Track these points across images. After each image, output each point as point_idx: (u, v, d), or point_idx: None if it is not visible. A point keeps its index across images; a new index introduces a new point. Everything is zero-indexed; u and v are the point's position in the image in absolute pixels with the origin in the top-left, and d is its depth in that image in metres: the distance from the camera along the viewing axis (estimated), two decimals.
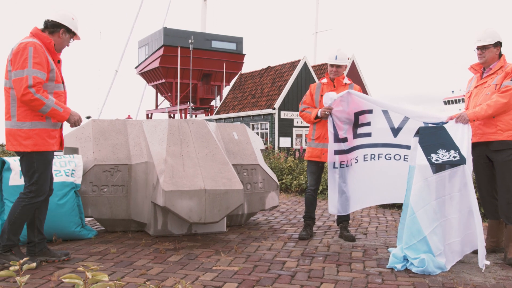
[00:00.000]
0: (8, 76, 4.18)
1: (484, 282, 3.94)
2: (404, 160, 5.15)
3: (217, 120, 34.73)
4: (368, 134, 5.31)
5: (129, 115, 42.96)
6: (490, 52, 4.83)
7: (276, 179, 6.47)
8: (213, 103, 58.78)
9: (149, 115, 60.34)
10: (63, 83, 4.44)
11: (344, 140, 5.30)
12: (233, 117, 33.96)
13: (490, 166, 4.86)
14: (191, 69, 43.89)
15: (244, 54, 59.59)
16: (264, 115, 31.59)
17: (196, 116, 53.58)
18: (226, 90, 47.74)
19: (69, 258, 4.54)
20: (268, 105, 31.32)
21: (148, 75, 58.49)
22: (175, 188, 5.03)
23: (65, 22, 4.37)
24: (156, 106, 62.60)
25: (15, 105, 4.15)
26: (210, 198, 5.11)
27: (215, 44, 56.48)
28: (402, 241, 4.48)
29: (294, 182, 10.82)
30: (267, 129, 31.39)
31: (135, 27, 56.81)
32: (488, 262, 4.41)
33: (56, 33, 4.37)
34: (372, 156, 5.33)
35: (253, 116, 32.49)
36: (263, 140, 29.37)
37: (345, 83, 5.63)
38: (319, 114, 5.40)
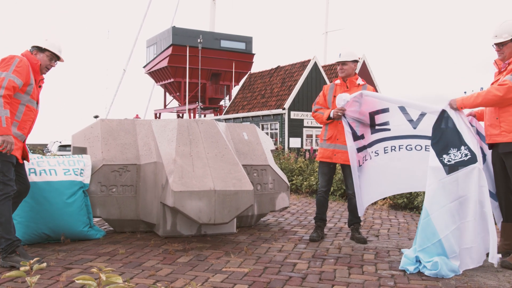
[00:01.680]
0: None
1: (498, 286, 3.86)
2: (425, 150, 5.01)
3: (226, 120, 34.71)
4: (387, 130, 5.21)
5: (137, 115, 43.04)
6: (508, 48, 4.59)
7: (286, 180, 6.40)
8: (222, 103, 58.76)
9: (158, 115, 60.40)
10: (37, 103, 4.65)
11: (362, 137, 5.22)
12: (243, 117, 33.90)
13: (504, 167, 4.72)
14: (200, 69, 43.92)
15: (254, 54, 59.50)
16: (273, 115, 31.50)
17: (205, 116, 53.58)
18: (235, 90, 47.85)
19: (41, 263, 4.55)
20: (278, 105, 31.24)
21: (156, 75, 58.56)
22: (185, 188, 4.98)
23: (36, 42, 4.67)
24: (165, 105, 62.67)
25: None
26: (219, 199, 5.05)
27: (224, 44, 56.42)
28: (416, 242, 4.40)
29: (305, 183, 10.75)
30: (277, 129, 31.29)
31: (143, 26, 56.97)
32: (500, 255, 4.33)
33: (32, 54, 4.62)
34: (393, 147, 5.20)
35: (263, 116, 32.41)
36: (273, 140, 29.26)
37: (359, 84, 5.54)
38: (331, 115, 5.33)
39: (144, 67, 61.10)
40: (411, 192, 8.26)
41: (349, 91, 5.43)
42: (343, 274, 4.17)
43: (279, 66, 35.19)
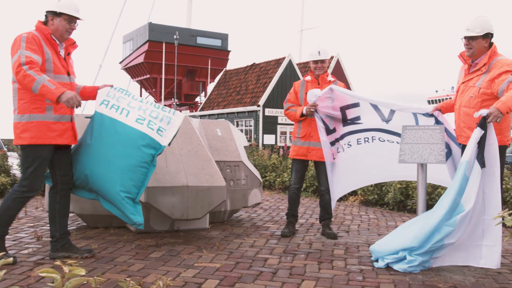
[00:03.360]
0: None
1: (463, 280, 3.98)
2: (397, 143, 5.15)
3: (201, 116, 34.64)
4: (359, 123, 5.32)
5: None
6: (478, 44, 4.43)
7: (259, 176, 6.47)
8: (197, 99, 58.62)
9: None
10: (68, 74, 4.30)
11: (334, 130, 5.32)
12: (218, 114, 33.89)
13: None
14: (176, 65, 43.73)
15: (229, 51, 59.45)
16: (248, 112, 31.57)
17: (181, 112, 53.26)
18: (211, 87, 47.66)
19: (92, 255, 4.45)
20: (252, 102, 31.30)
21: (132, 70, 58.10)
22: (158, 184, 5.01)
23: (49, 7, 4.22)
24: None
25: (16, 98, 4.11)
26: (192, 194, 5.09)
27: (200, 40, 56.24)
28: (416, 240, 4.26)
29: (278, 179, 10.84)
30: (251, 126, 31.37)
31: (119, 21, 56.37)
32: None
33: (49, 21, 4.24)
34: (366, 139, 5.32)
35: (238, 113, 32.45)
36: (247, 137, 29.28)
37: (329, 80, 5.63)
38: (304, 112, 5.40)
39: (120, 62, 60.58)
40: (381, 189, 8.41)
41: (321, 87, 5.51)
42: (313, 269, 4.24)
43: (254, 63, 35.25)
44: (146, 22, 53.35)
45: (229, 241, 5.25)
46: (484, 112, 4.06)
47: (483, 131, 4.11)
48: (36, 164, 4.12)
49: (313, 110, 5.29)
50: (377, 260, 4.44)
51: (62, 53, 4.34)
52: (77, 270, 1.67)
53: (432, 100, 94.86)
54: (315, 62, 5.60)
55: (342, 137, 5.37)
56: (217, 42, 57.86)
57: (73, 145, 4.50)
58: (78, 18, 4.32)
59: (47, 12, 4.24)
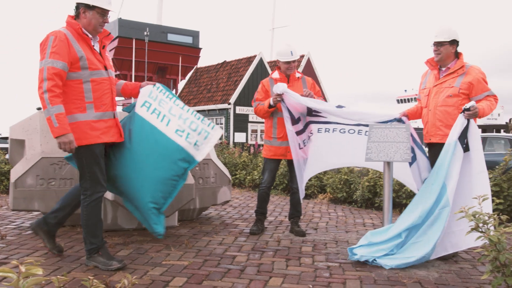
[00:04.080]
0: None
1: (427, 276, 4.06)
2: (358, 133, 5.26)
3: None
4: (323, 117, 5.41)
5: None
6: (445, 49, 4.73)
7: (228, 174, 6.47)
8: None
9: None
10: (106, 69, 4.13)
11: (299, 120, 5.35)
12: None
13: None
14: (146, 62, 43.29)
15: (201, 48, 59.12)
16: (219, 110, 31.51)
17: None
18: (181, 84, 47.34)
19: (61, 253, 4.46)
20: (223, 100, 31.26)
21: None
22: None
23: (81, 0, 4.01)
24: None
25: None
26: None
27: (171, 37, 55.79)
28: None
29: (248, 177, 10.86)
30: (222, 124, 31.31)
31: None
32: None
33: (80, 15, 4.03)
34: (327, 129, 5.44)
35: (209, 110, 32.36)
36: None
37: (298, 77, 5.68)
38: (271, 103, 5.40)
39: None
40: (350, 187, 8.50)
41: (290, 84, 5.55)
42: (280, 266, 4.27)
43: (225, 61, 35.20)
44: (116, 18, 52.70)
45: (198, 239, 5.25)
46: (470, 104, 4.40)
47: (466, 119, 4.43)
48: (91, 164, 3.97)
49: (279, 99, 5.29)
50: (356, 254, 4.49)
51: (97, 47, 4.15)
52: (34, 270, 1.65)
53: (401, 99, 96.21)
54: (287, 62, 5.61)
55: (306, 125, 5.44)
56: (188, 39, 57.48)
57: None
58: (111, 11, 4.14)
59: (79, 4, 4.03)
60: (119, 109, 4.63)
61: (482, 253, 3.12)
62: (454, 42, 4.76)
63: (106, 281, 3.60)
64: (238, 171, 11.48)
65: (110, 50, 53.63)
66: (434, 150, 4.80)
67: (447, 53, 4.75)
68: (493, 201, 4.12)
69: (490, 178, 6.50)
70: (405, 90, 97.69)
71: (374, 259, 4.35)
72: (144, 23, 52.51)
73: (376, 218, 6.94)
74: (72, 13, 4.09)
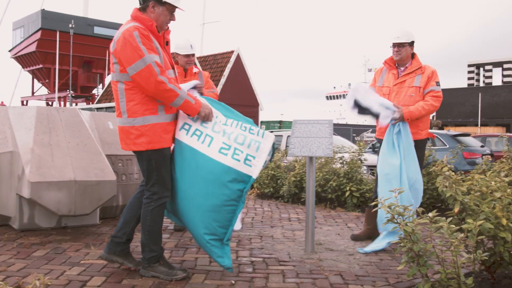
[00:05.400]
0: (114, 69, 3.69)
1: (348, 268, 4.15)
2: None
3: (98, 109, 33.46)
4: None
5: (1, 102, 40.16)
6: (405, 50, 5.06)
7: None
8: (95, 91, 56.64)
9: (25, 102, 56.80)
10: (173, 68, 3.88)
11: None
12: (115, 106, 32.88)
13: None
14: (71, 55, 41.89)
15: None
16: None
17: (76, 105, 51.32)
18: (109, 79, 46.19)
19: (139, 269, 3.91)
20: None
21: (23, 60, 54.96)
22: (43, 179, 4.77)
23: None
24: (33, 93, 59.09)
25: (124, 99, 3.66)
26: (80, 189, 4.90)
27: (98, 30, 54.30)
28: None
29: None
30: None
31: (9, 7, 53.13)
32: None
33: (148, 9, 3.72)
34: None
35: None
36: None
37: (195, 72, 5.67)
38: None
39: (10, 51, 57.08)
40: (277, 182, 8.57)
41: (187, 79, 5.52)
42: (204, 263, 4.24)
43: None
44: (39, 8, 50.69)
45: None
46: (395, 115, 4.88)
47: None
48: (161, 167, 3.72)
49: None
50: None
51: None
52: None
53: (330, 96, 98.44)
54: (187, 56, 5.56)
55: None
56: (115, 33, 56.16)
57: None
58: (180, 10, 3.86)
59: None
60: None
61: (399, 244, 3.21)
62: (412, 43, 5.13)
63: (19, 282, 3.42)
64: None
65: (32, 43, 51.71)
66: None
67: (406, 53, 5.10)
68: None
69: None
70: (334, 87, 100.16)
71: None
72: (69, 15, 50.81)
73: (301, 213, 7.03)
74: (137, 5, 3.80)
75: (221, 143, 3.76)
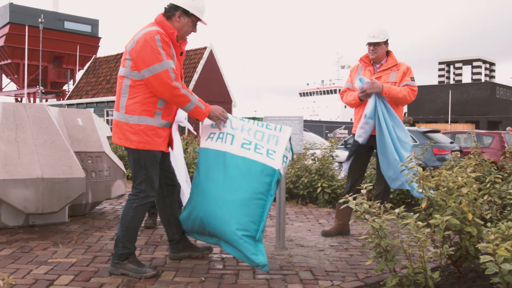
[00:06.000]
0: (125, 65, 3.71)
1: (318, 264, 4.17)
2: None
3: (69, 105, 33.01)
4: None
5: None
6: (381, 49, 5.14)
7: (123, 167, 6.28)
8: (65, 87, 55.86)
9: None
10: (181, 78, 3.89)
11: None
12: (87, 103, 32.46)
13: (367, 156, 5.34)
14: (41, 50, 41.21)
15: (100, 37, 57.32)
16: None
17: (46, 101, 50.56)
18: (80, 75, 45.61)
19: (211, 251, 4.33)
20: None
21: None
22: (8, 176, 4.68)
23: (180, 2, 3.77)
24: (1, 88, 57.99)
25: (126, 95, 3.71)
26: (48, 187, 4.82)
27: (68, 25, 53.54)
28: None
29: None
30: None
31: None
32: None
33: (174, 18, 3.79)
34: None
35: (108, 102, 31.35)
36: None
37: None
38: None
39: None
40: None
41: None
42: (174, 260, 4.21)
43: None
44: (7, 2, 49.69)
45: (89, 235, 5.05)
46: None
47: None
48: (149, 167, 3.76)
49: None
50: None
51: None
52: None
53: (303, 93, 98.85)
54: None
55: None
56: (86, 28, 55.49)
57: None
58: (203, 23, 3.95)
59: (175, 6, 3.78)
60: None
61: (367, 240, 3.24)
62: (387, 41, 5.21)
63: None
64: None
65: (0, 38, 50.65)
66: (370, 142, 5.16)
67: (382, 52, 5.18)
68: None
69: None
70: (307, 84, 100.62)
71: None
72: (39, 9, 50.01)
73: (273, 209, 7.02)
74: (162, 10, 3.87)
75: (242, 139, 3.90)
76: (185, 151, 10.26)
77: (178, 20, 3.79)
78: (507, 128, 20.41)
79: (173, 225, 4.17)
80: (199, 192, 3.91)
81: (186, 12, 3.77)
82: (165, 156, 4.06)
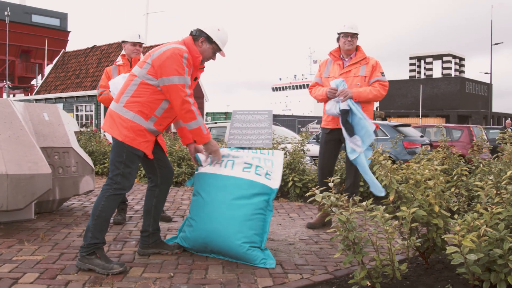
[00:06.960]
0: (143, 67, 3.87)
1: (288, 258, 4.18)
2: None
3: (37, 100, 32.36)
4: None
5: None
6: (356, 41, 5.27)
7: (91, 163, 6.18)
8: (33, 82, 54.80)
9: None
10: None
11: None
12: (55, 98, 31.87)
13: (337, 147, 5.44)
14: (8, 44, 40.30)
15: (69, 31, 56.37)
16: (89, 96, 30.13)
17: (14, 96, 49.56)
18: (48, 69, 44.76)
19: (181, 251, 4.28)
20: (93, 86, 29.95)
21: None
22: None
23: (206, 29, 4.02)
24: None
25: (130, 93, 3.86)
26: (13, 183, 4.71)
27: (36, 19, 52.49)
28: None
29: None
30: (92, 111, 30.01)
31: None
32: None
33: (197, 41, 4.03)
34: None
35: (77, 97, 30.85)
36: (87, 122, 27.91)
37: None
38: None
39: None
40: None
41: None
42: (143, 256, 4.16)
43: (95, 45, 33.76)
44: None
45: (56, 232, 4.96)
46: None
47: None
48: (129, 163, 3.84)
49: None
50: None
51: None
52: None
53: (276, 88, 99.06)
54: (134, 44, 5.61)
55: None
56: (55, 22, 54.48)
57: None
58: (222, 55, 4.18)
59: (201, 32, 4.03)
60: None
61: (335, 233, 3.24)
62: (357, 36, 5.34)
63: None
64: (107, 159, 11.06)
65: None
66: (332, 134, 5.36)
67: (355, 44, 5.30)
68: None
69: None
70: (280, 79, 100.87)
71: None
72: (5, 2, 48.81)
73: None
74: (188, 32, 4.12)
75: (243, 164, 4.24)
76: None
77: (201, 45, 4.03)
78: (506, 122, 20.80)
79: (152, 217, 4.25)
80: (201, 212, 4.13)
81: (209, 39, 4.02)
82: (159, 149, 4.26)
